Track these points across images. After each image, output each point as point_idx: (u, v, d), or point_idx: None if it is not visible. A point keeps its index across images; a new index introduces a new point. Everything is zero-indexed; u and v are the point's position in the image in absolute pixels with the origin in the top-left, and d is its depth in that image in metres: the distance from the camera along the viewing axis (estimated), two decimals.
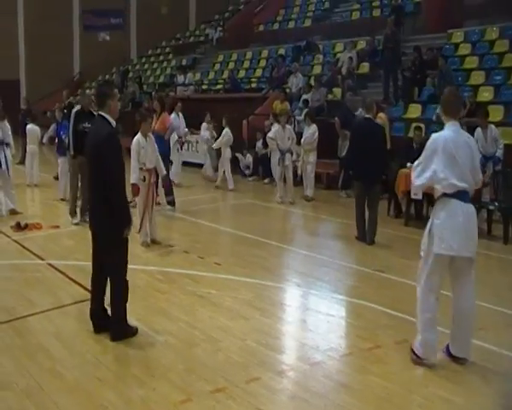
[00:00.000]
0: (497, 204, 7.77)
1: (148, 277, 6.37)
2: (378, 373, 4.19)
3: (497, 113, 10.90)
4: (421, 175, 4.29)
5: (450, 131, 4.25)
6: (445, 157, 4.14)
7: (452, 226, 4.14)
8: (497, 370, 4.31)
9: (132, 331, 4.78)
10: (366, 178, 7.84)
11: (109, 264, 4.71)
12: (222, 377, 4.09)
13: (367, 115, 8.11)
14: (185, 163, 13.73)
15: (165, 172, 7.90)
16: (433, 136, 4.31)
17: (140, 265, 6.49)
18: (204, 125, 14.07)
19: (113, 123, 4.72)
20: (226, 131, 12.60)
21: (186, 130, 13.15)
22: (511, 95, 11.63)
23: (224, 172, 12.49)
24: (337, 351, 4.58)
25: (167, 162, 9.25)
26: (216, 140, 13.20)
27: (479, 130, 9.38)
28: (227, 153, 12.55)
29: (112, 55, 27.28)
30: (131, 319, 4.85)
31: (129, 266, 4.81)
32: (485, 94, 11.97)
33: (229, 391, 3.91)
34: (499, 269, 6.90)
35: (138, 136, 7.43)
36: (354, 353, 4.61)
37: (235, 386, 3.97)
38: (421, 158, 4.33)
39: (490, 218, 8.11)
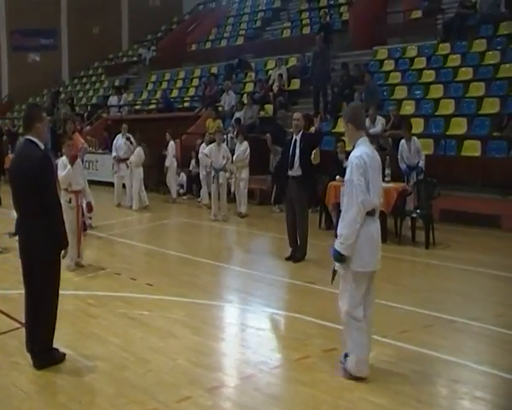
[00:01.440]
0: (419, 212, 8.12)
1: (79, 301, 6.24)
2: (307, 383, 4.28)
3: (418, 125, 11.51)
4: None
5: (366, 148, 4.25)
6: (371, 175, 4.13)
7: (369, 244, 4.21)
8: (419, 369, 4.49)
9: (60, 358, 4.66)
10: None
11: (39, 289, 4.55)
12: (152, 399, 4.05)
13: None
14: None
15: (90, 198, 7.92)
16: (357, 156, 4.17)
17: (70, 290, 6.34)
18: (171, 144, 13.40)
19: (42, 146, 4.61)
20: (138, 150, 12.54)
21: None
22: (430, 108, 12.31)
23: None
24: (267, 364, 4.63)
25: None
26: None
27: (403, 142, 9.87)
28: (137, 173, 12.43)
29: (43, 76, 26.56)
30: (59, 346, 4.72)
31: (59, 292, 4.69)
32: (408, 107, 12.60)
33: None
34: (421, 273, 7.23)
35: (63, 157, 7.67)
36: (284, 364, 4.70)
37: (166, 406, 3.95)
38: (356, 185, 4.14)
39: (413, 225, 8.46)
